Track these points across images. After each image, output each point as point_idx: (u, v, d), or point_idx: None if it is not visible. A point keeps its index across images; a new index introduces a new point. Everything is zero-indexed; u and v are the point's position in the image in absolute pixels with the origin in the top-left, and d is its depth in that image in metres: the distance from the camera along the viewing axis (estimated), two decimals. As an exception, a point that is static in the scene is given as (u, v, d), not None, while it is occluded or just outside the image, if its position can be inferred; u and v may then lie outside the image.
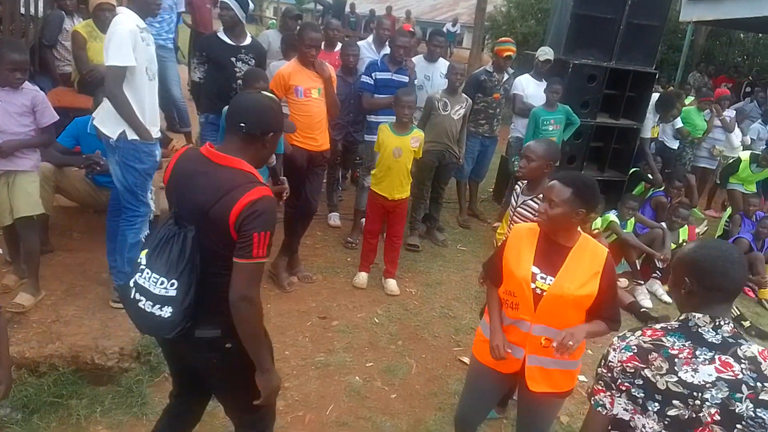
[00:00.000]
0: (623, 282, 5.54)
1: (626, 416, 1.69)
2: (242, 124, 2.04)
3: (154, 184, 3.66)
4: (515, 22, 14.06)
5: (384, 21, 6.86)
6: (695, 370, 1.60)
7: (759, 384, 1.55)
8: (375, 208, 4.69)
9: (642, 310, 5.06)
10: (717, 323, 1.64)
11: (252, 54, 4.60)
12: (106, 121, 3.32)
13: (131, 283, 2.08)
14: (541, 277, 2.39)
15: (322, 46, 4.75)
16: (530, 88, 6.07)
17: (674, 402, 1.61)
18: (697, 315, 1.66)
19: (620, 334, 1.79)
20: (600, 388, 1.75)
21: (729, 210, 6.95)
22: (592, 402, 1.77)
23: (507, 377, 2.58)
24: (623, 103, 6.46)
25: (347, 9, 16.33)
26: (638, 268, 5.56)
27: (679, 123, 7.24)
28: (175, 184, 2.12)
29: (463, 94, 5.38)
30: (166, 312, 1.99)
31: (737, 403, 1.55)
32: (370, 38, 6.22)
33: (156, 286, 2.00)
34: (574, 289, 2.34)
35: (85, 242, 4.30)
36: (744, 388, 1.55)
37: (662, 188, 6.44)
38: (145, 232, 3.62)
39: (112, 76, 3.20)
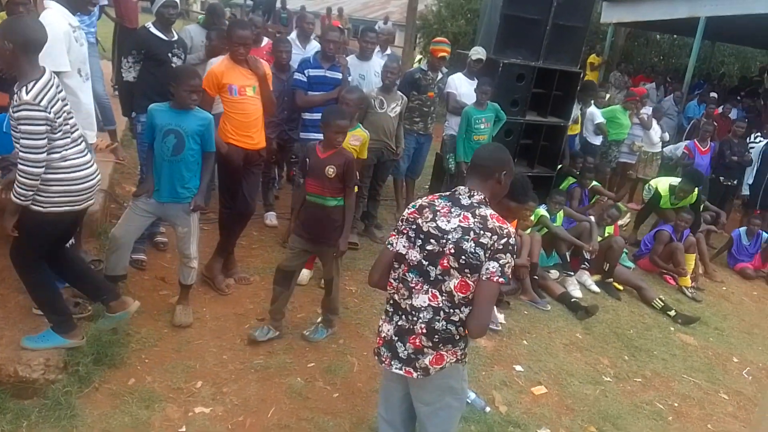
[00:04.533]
0: (554, 273, 5.74)
1: (404, 251, 2.39)
2: None
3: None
4: (446, 22, 14.26)
5: (307, 15, 6.78)
6: (448, 221, 2.30)
7: (482, 232, 2.25)
8: None
9: (572, 300, 5.26)
10: (472, 193, 2.35)
11: (182, 49, 4.50)
12: None
13: None
14: None
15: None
16: (463, 87, 6.18)
17: (431, 240, 2.32)
18: (462, 187, 2.37)
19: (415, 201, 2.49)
20: (394, 233, 2.46)
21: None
22: (387, 242, 2.47)
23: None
24: (550, 101, 6.69)
25: (278, 5, 16.04)
26: (568, 260, 5.78)
27: (599, 119, 7.57)
28: None
29: (398, 92, 5.42)
30: None
31: (464, 242, 2.25)
32: (294, 34, 6.15)
33: None
34: None
35: (1, 248, 4.04)
36: (471, 233, 2.25)
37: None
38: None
39: None
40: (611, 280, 5.83)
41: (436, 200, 2.38)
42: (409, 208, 2.44)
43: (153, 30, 4.36)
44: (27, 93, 2.67)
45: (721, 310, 5.98)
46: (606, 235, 6.04)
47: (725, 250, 7.28)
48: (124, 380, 3.33)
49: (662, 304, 5.59)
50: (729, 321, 5.76)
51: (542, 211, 5.78)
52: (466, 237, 2.25)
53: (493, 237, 2.24)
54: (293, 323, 4.16)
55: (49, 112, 2.72)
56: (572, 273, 5.74)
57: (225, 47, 5.10)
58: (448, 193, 2.40)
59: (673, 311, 5.52)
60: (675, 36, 18.17)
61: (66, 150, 2.86)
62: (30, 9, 4.19)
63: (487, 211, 2.30)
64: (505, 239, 2.25)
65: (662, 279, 6.38)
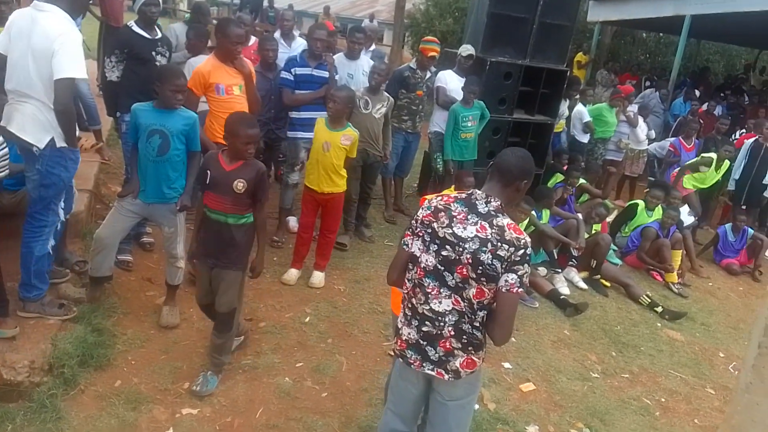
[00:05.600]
0: (542, 271, 5.77)
1: (418, 253, 2.38)
2: None
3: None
4: (434, 20, 14.27)
5: (286, 12, 6.76)
6: (464, 228, 2.28)
7: (499, 244, 2.23)
8: (307, 201, 4.69)
9: (561, 297, 5.29)
10: (489, 199, 2.31)
11: (166, 47, 4.46)
12: (29, 128, 3.06)
13: None
14: None
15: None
16: (453, 83, 6.20)
17: (446, 246, 2.30)
18: (478, 192, 2.34)
19: (429, 197, 2.47)
20: (408, 233, 2.44)
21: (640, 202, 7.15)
22: (402, 242, 2.46)
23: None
24: (538, 99, 6.71)
25: (266, 3, 15.99)
26: (555, 257, 5.80)
27: (587, 117, 7.62)
28: None
29: (385, 93, 5.40)
30: None
31: (482, 254, 2.24)
32: (278, 33, 6.13)
33: None
34: None
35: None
36: (489, 245, 2.24)
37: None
38: (51, 243, 3.39)
39: (68, 89, 2.99)
40: (599, 276, 5.86)
41: (452, 204, 2.33)
42: (425, 209, 2.39)
43: (135, 29, 4.32)
44: None
45: (707, 306, 6.03)
46: (593, 231, 6.07)
47: (711, 246, 7.35)
48: (111, 382, 3.30)
49: (649, 300, 5.63)
50: (715, 316, 5.81)
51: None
52: (484, 249, 2.23)
53: (510, 249, 2.22)
54: (281, 323, 4.15)
55: None
56: (560, 270, 5.76)
57: (204, 45, 5.11)
58: (464, 196, 2.34)
59: (660, 307, 5.55)
60: (661, 34, 18.28)
61: None
62: (13, 8, 4.15)
63: (504, 221, 2.27)
64: (522, 250, 2.24)
65: (649, 275, 6.42)
